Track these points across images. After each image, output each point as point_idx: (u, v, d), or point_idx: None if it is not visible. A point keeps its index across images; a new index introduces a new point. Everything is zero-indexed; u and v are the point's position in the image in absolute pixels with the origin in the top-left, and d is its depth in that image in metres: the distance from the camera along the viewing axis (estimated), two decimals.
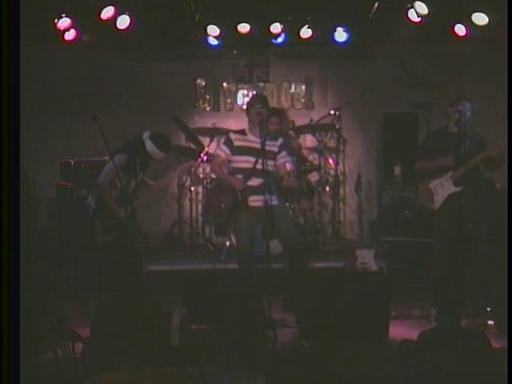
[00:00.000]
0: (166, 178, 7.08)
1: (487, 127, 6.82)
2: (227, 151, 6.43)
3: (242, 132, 6.48)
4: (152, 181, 6.72)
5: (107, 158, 6.33)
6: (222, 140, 6.69)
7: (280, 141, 6.52)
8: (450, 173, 6.41)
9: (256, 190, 6.23)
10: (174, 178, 7.27)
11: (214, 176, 7.55)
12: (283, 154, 6.49)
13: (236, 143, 6.40)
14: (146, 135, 6.36)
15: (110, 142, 6.24)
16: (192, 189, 8.60)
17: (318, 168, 8.53)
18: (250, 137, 6.37)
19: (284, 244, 6.46)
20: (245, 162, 6.33)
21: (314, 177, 8.60)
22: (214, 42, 8.41)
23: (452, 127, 6.50)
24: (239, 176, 6.34)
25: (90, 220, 6.28)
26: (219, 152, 6.52)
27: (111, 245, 6.24)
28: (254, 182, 6.27)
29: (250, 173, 6.25)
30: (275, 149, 6.44)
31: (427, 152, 6.57)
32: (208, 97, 9.15)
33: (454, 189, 6.38)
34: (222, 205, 6.41)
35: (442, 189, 6.46)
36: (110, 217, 6.25)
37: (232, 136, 6.48)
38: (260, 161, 6.08)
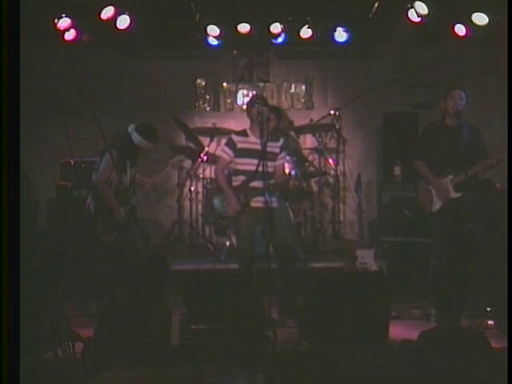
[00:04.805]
0: (158, 174, 6.83)
1: (487, 127, 6.82)
2: (230, 153, 6.40)
3: (243, 133, 6.45)
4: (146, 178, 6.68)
5: None
6: (224, 141, 6.65)
7: (281, 142, 6.51)
8: (451, 176, 6.38)
9: (258, 192, 6.22)
10: (166, 173, 6.89)
11: (214, 176, 7.54)
12: (283, 155, 6.50)
13: (239, 145, 6.37)
14: (131, 128, 6.32)
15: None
16: (192, 189, 8.60)
17: (322, 174, 8.52)
18: (252, 138, 6.35)
19: (276, 246, 6.39)
20: (247, 164, 6.31)
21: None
22: (214, 41, 8.41)
23: (448, 120, 6.43)
24: (240, 189, 6.31)
25: (92, 220, 6.28)
26: (222, 154, 6.50)
27: (117, 245, 6.26)
28: (256, 183, 6.26)
29: (252, 175, 6.23)
30: (276, 150, 6.43)
31: (425, 150, 6.52)
32: (208, 97, 9.15)
33: (455, 194, 6.36)
34: (224, 206, 6.39)
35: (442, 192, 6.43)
36: (111, 216, 6.26)
37: (235, 138, 6.43)
38: (261, 162, 6.08)
